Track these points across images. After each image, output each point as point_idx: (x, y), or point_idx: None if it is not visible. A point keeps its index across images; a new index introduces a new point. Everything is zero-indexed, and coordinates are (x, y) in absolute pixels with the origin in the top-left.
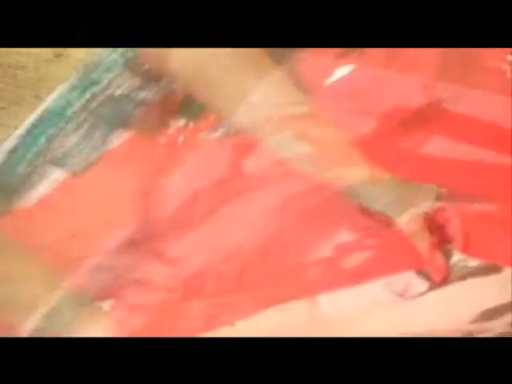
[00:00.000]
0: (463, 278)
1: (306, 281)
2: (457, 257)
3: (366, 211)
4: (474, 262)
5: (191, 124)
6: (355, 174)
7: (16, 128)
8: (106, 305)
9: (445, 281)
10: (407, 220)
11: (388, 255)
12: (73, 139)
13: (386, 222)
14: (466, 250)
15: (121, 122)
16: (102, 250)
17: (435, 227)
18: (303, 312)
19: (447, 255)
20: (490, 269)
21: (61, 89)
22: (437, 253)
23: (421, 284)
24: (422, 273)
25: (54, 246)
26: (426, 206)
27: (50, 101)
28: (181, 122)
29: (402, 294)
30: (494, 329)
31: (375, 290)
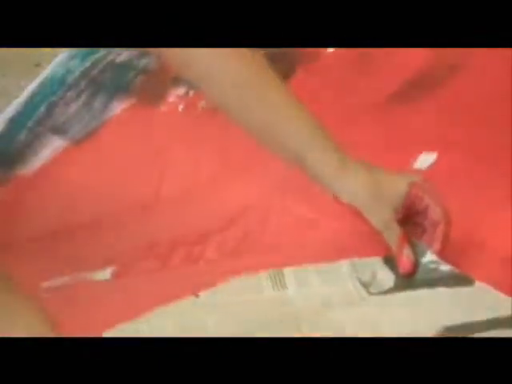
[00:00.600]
0: (433, 285)
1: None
2: (428, 258)
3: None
4: (445, 268)
5: (191, 92)
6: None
7: (16, 97)
8: (107, 272)
9: (409, 276)
10: (377, 210)
11: (356, 239)
12: (73, 107)
13: (357, 212)
14: (442, 251)
15: (121, 89)
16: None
17: (410, 216)
18: (270, 292)
19: (419, 253)
20: (462, 280)
21: (61, 57)
22: (405, 246)
23: (388, 276)
24: (388, 262)
25: (55, 213)
26: (399, 195)
27: (50, 69)
28: (181, 91)
29: (368, 285)
30: None
31: (342, 277)
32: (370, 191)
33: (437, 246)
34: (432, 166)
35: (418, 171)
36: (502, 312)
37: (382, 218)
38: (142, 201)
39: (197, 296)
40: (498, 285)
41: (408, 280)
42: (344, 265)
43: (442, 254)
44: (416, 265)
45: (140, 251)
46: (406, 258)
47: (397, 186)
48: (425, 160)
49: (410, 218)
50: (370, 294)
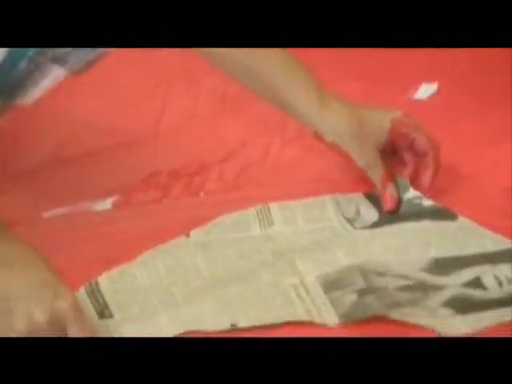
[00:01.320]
0: (418, 217)
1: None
2: (412, 193)
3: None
4: (428, 203)
5: None
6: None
7: None
8: (108, 202)
9: (393, 212)
10: (360, 147)
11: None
12: None
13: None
14: (434, 178)
15: None
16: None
17: (395, 152)
18: (257, 230)
19: (402, 189)
20: (446, 214)
21: None
22: (389, 183)
23: (371, 212)
24: (371, 198)
25: (55, 143)
26: (382, 132)
27: None
28: None
29: (353, 221)
30: (445, 286)
31: (327, 214)
32: (352, 129)
33: (428, 174)
34: (432, 97)
35: (418, 101)
36: (489, 247)
37: (366, 155)
38: (142, 132)
39: (188, 236)
40: (498, 214)
41: (392, 216)
42: (328, 201)
43: (434, 183)
44: (399, 202)
45: (141, 182)
46: (389, 196)
47: (379, 123)
48: (426, 90)
49: (394, 154)
50: (355, 228)
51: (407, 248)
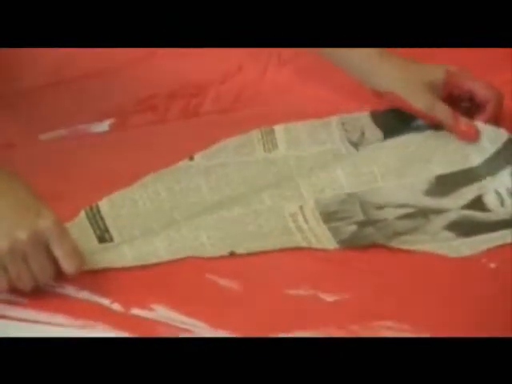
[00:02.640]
0: (420, 129)
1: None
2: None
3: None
4: None
5: None
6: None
7: None
8: (105, 124)
9: (474, 142)
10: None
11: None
12: None
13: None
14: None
15: None
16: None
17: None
18: (262, 153)
19: None
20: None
21: None
22: (459, 116)
23: (376, 134)
24: (377, 119)
25: (51, 65)
26: (437, 82)
27: None
28: None
29: (358, 145)
30: (447, 209)
31: (332, 136)
32: (408, 76)
33: (483, 117)
34: None
35: None
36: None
37: (422, 98)
38: (139, 54)
39: (191, 159)
40: None
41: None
42: (334, 123)
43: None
44: (477, 130)
45: (137, 104)
46: (465, 127)
47: (434, 74)
48: None
49: (456, 106)
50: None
51: (409, 165)
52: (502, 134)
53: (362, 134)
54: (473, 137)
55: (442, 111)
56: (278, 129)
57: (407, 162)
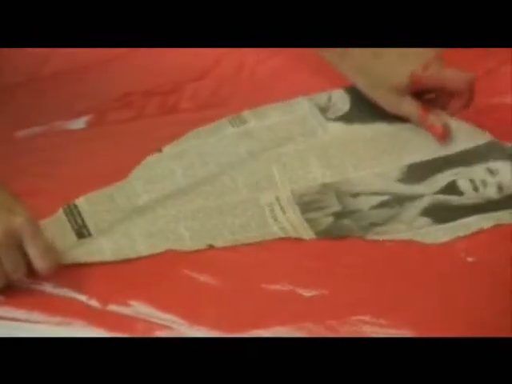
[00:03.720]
0: (390, 120)
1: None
2: None
3: None
4: None
5: None
6: None
7: None
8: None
9: (445, 140)
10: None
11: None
12: None
13: None
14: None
15: None
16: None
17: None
18: (230, 129)
19: None
20: None
21: None
22: (427, 114)
23: (343, 99)
24: (348, 90)
25: (28, 63)
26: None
27: None
28: None
29: (325, 110)
30: (421, 195)
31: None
32: (371, 79)
33: (456, 103)
34: None
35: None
36: (462, 145)
37: (389, 100)
38: (114, 52)
39: (160, 151)
40: None
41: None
42: (300, 98)
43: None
44: (447, 129)
45: (114, 101)
46: (432, 126)
47: (397, 77)
48: None
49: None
50: (328, 119)
51: (380, 157)
52: (484, 135)
53: (329, 98)
54: (440, 135)
55: (409, 108)
56: (245, 112)
57: (379, 153)
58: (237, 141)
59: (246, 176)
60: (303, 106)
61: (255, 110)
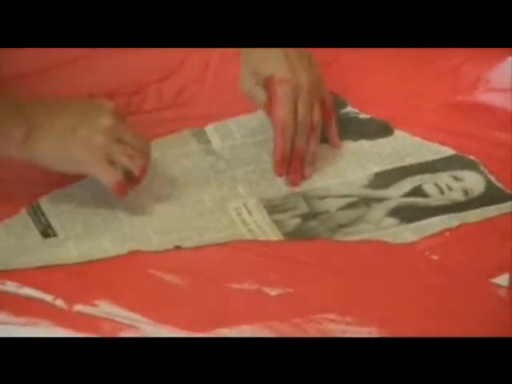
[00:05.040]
0: (354, 138)
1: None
2: (349, 109)
3: None
4: (365, 116)
5: None
6: None
7: None
8: None
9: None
10: None
11: None
12: None
13: None
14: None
15: None
16: None
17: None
18: (196, 145)
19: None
20: (382, 129)
21: None
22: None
23: None
24: None
25: None
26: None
27: None
28: None
29: None
30: (388, 197)
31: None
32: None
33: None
34: None
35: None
36: (428, 157)
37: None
38: (75, 53)
39: None
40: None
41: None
42: (262, 114)
43: None
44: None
45: None
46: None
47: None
48: None
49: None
50: None
51: (346, 170)
52: (446, 150)
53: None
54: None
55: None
56: (209, 128)
57: (344, 166)
58: (202, 158)
59: (211, 192)
60: (266, 129)
61: (218, 128)
